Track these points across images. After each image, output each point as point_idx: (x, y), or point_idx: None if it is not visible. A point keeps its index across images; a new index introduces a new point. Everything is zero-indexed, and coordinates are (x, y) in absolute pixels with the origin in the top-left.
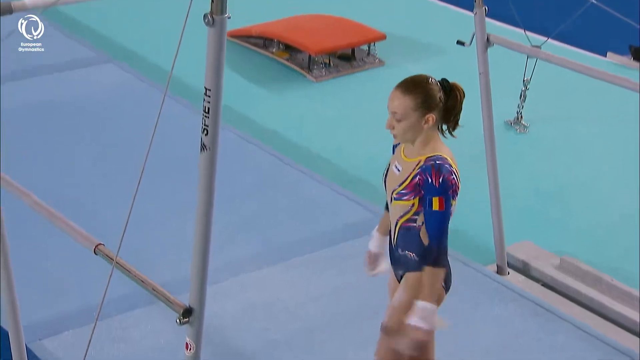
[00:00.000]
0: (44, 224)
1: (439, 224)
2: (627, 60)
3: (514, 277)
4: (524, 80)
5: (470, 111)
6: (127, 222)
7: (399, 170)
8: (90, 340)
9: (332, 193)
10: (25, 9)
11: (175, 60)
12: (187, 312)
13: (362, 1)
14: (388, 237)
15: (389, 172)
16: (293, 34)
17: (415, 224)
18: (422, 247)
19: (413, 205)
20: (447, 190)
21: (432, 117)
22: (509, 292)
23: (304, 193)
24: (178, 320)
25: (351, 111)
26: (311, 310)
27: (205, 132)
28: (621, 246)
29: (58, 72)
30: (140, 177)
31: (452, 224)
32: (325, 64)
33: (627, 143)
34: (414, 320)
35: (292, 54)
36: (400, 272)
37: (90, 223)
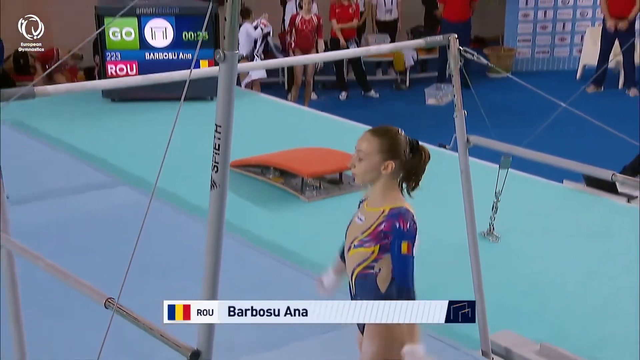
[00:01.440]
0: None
1: (407, 267)
2: (582, 186)
3: None
4: (495, 193)
5: (450, 221)
6: (127, 271)
7: (361, 220)
8: None
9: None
10: (47, 95)
11: (160, 170)
12: (195, 355)
13: (346, 136)
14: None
15: (351, 224)
16: (287, 161)
17: (372, 271)
18: (379, 295)
19: (373, 252)
20: (411, 237)
21: (391, 164)
22: None
23: (301, 288)
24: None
25: (339, 226)
26: None
27: (216, 169)
28: (592, 335)
29: (77, 194)
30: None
31: None
32: (316, 187)
33: (590, 248)
34: None
35: (287, 179)
36: (362, 324)
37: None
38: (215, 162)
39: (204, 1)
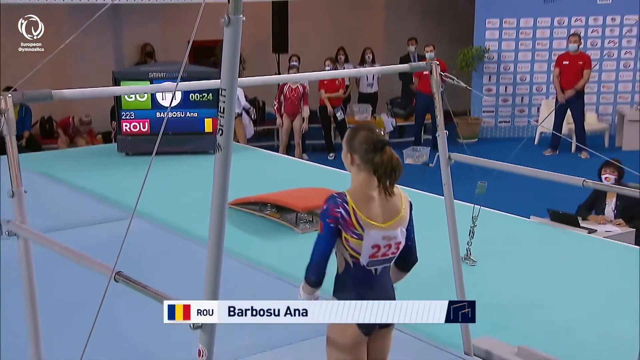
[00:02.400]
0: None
1: (315, 244)
2: (546, 220)
3: None
4: (472, 217)
5: (433, 248)
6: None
7: None
8: None
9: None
10: (62, 97)
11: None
12: None
13: (335, 180)
14: None
15: None
16: (283, 197)
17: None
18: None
19: None
20: (325, 218)
21: (350, 156)
22: None
23: (296, 297)
24: (191, 325)
25: None
26: None
27: (220, 132)
28: (564, 343)
29: (94, 225)
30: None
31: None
32: (309, 220)
33: (556, 271)
34: None
35: (282, 214)
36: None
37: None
38: (220, 125)
39: (210, 67)
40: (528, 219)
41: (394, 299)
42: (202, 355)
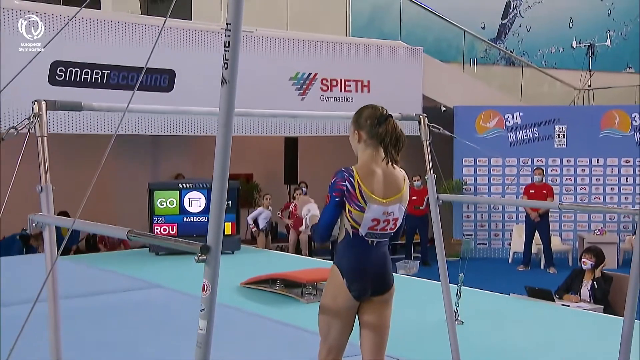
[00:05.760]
0: None
1: (322, 213)
2: (525, 297)
3: None
4: (458, 277)
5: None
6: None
7: None
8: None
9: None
10: (92, 109)
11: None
12: (205, 249)
13: None
14: None
15: None
16: (290, 273)
17: None
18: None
19: None
20: (332, 191)
21: (358, 133)
22: None
23: (301, 336)
24: (196, 257)
25: None
26: None
27: (226, 66)
28: None
29: (123, 292)
30: None
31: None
32: (312, 293)
33: (534, 332)
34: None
35: (290, 289)
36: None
37: None
38: (225, 59)
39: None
40: (508, 295)
41: (390, 270)
42: (206, 290)
